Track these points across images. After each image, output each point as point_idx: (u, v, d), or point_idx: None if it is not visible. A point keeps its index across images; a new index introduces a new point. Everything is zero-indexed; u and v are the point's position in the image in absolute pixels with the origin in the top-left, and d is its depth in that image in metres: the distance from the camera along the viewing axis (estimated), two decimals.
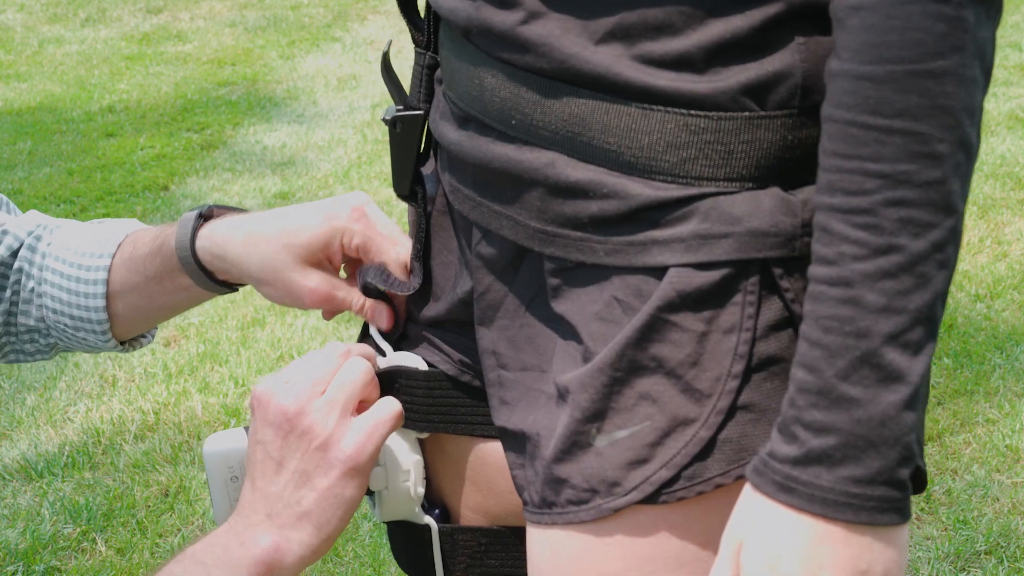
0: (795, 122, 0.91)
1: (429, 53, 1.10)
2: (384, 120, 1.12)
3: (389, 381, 1.15)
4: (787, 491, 0.86)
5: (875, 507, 0.85)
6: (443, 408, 1.14)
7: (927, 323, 0.84)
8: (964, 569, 2.34)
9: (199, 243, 1.22)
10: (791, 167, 0.92)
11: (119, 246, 1.28)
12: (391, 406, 1.11)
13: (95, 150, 4.89)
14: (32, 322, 1.31)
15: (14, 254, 1.30)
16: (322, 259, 1.20)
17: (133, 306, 1.28)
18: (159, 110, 5.40)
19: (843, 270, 0.84)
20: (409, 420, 1.14)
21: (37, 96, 5.66)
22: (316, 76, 5.88)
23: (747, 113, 0.90)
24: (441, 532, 1.18)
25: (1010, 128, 4.59)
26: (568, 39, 0.92)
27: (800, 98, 0.91)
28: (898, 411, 0.84)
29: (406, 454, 1.16)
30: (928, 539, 2.42)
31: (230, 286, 1.26)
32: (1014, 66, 5.28)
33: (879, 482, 0.85)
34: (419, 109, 1.11)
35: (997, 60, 5.51)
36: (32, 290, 1.30)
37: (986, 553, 2.38)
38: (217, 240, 1.22)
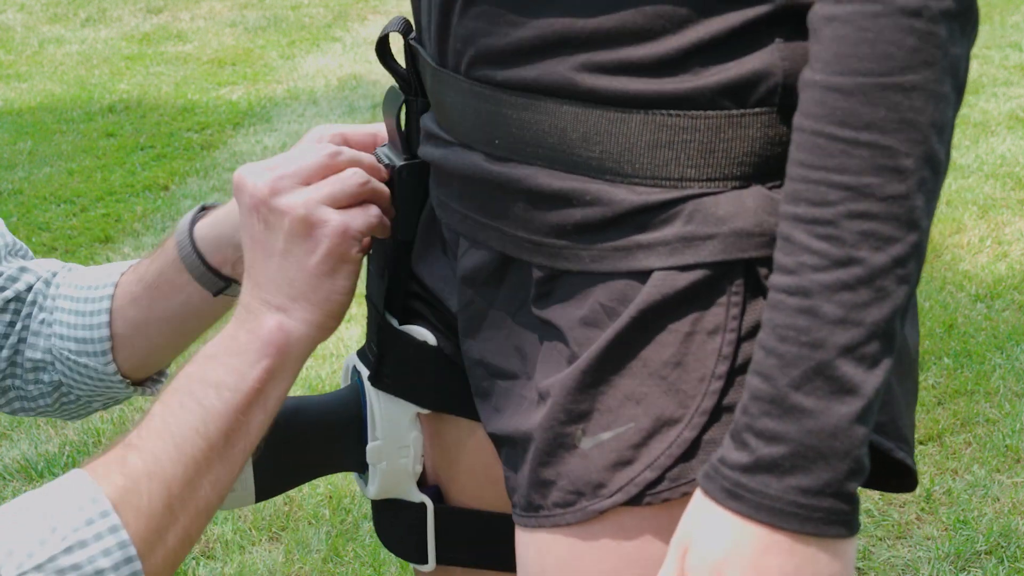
0: (776, 118, 0.90)
1: (420, 99, 1.09)
2: (385, 165, 1.11)
3: (404, 345, 1.13)
4: (735, 498, 0.86)
5: (822, 518, 0.85)
6: (449, 388, 1.13)
7: (884, 337, 0.84)
8: (964, 569, 2.33)
9: (197, 229, 1.24)
10: (774, 164, 0.91)
11: (130, 267, 1.31)
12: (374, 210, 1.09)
13: (95, 150, 4.89)
14: (39, 355, 1.32)
15: (30, 289, 1.32)
16: None
17: (131, 322, 1.29)
18: (159, 110, 5.39)
19: (802, 280, 0.84)
20: (415, 395, 1.14)
21: (37, 96, 5.66)
22: (316, 76, 5.88)
23: (727, 112, 0.90)
24: (436, 511, 1.17)
25: (1010, 128, 4.58)
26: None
27: (781, 96, 0.90)
28: (850, 424, 0.84)
29: (405, 429, 1.15)
30: (928, 539, 2.41)
31: (225, 279, 1.25)
32: (1014, 66, 5.26)
33: (827, 494, 0.84)
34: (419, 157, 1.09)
35: (997, 60, 5.47)
36: (43, 321, 1.31)
37: (986, 553, 2.37)
38: (213, 216, 1.25)
